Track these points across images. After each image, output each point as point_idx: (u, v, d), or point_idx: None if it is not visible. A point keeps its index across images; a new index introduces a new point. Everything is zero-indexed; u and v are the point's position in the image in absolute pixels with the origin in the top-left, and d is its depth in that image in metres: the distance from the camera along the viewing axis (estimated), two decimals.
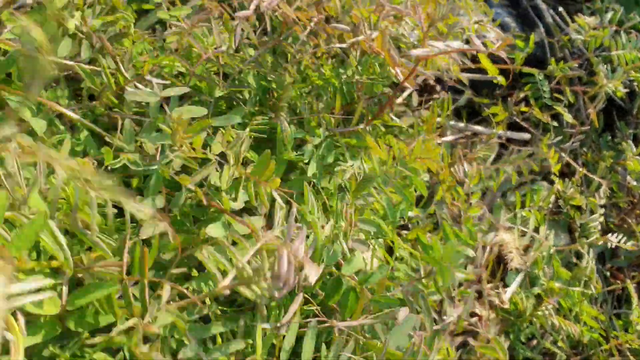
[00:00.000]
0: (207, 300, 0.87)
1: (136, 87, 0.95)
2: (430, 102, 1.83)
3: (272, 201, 0.94)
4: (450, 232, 1.27)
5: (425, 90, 1.87)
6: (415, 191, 1.24)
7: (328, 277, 1.02)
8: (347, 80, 1.24)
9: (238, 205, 0.94)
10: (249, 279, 0.74)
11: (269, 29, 1.21)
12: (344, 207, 0.97)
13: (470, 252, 1.26)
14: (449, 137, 1.76)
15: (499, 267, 1.62)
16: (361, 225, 1.06)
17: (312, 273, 0.73)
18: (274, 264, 0.70)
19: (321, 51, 1.19)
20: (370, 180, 0.99)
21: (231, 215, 0.91)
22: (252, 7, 1.07)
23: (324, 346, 0.90)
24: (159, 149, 0.93)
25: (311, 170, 1.09)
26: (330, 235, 0.99)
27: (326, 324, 0.92)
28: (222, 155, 0.97)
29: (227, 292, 0.81)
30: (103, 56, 1.06)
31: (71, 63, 1.00)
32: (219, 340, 0.89)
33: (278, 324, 0.89)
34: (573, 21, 1.78)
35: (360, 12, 1.19)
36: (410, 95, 1.79)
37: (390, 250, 1.34)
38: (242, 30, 1.11)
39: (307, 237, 0.95)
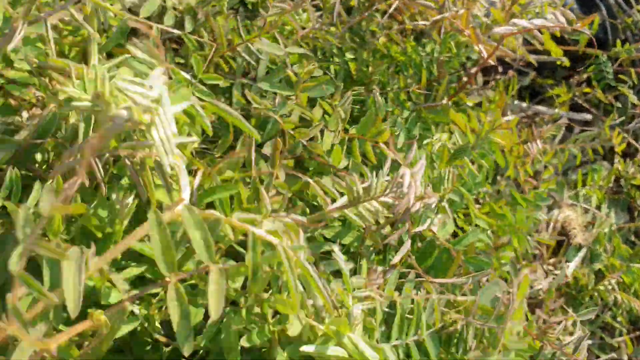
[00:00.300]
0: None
1: (248, 48, 1.01)
2: (493, 82, 1.87)
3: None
4: (520, 198, 1.32)
5: (487, 71, 1.92)
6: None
7: (420, 241, 1.08)
8: (428, 57, 1.29)
9: (342, 164, 1.00)
10: (358, 199, 0.81)
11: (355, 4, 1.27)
12: (447, 173, 1.04)
13: (541, 215, 1.31)
14: (511, 117, 1.80)
15: (561, 243, 1.67)
16: (451, 195, 1.12)
17: (432, 199, 0.79)
18: (392, 183, 0.76)
19: (408, 27, 1.25)
20: (466, 150, 1.04)
21: (338, 170, 0.98)
22: None
23: (417, 299, 0.96)
24: (277, 100, 1.00)
25: (401, 141, 1.15)
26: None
27: (422, 279, 0.98)
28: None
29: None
30: (205, 29, 1.13)
31: (177, 32, 1.06)
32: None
33: (385, 267, 0.95)
34: (637, 2, 1.80)
35: None
36: (481, 69, 1.84)
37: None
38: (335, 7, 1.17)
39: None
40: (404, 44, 1.27)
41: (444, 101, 1.26)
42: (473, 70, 1.30)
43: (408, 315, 0.93)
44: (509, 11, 1.23)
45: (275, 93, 1.04)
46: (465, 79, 1.34)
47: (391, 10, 1.24)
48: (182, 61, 1.14)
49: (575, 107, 1.86)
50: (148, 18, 1.05)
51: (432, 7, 1.23)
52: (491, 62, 1.18)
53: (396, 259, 0.93)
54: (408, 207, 0.79)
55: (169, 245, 0.61)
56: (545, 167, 1.58)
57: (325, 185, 0.87)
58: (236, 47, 1.03)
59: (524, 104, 1.80)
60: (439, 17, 1.20)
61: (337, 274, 0.91)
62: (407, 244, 0.92)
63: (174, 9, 1.15)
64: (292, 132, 0.99)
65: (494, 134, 1.25)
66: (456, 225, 1.35)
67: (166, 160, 0.63)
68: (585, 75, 1.82)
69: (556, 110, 1.77)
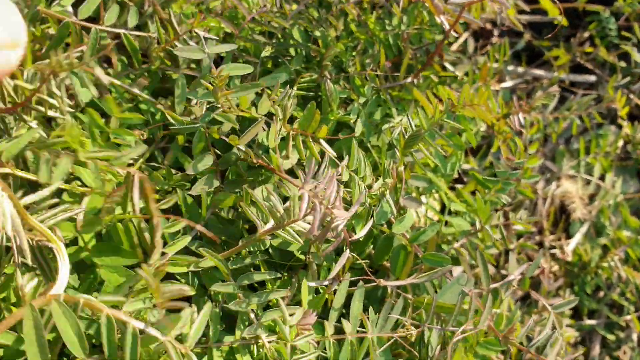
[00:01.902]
0: (257, 255, 0.89)
1: (186, 42, 0.94)
2: (487, 48, 1.76)
3: (323, 155, 0.93)
4: (481, 179, 1.21)
5: (481, 35, 1.80)
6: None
7: (379, 235, 1.01)
8: (393, 31, 1.20)
9: (289, 163, 0.94)
10: (282, 222, 0.75)
11: None
12: (391, 164, 0.96)
13: (505, 198, 1.20)
14: (509, 83, 1.69)
15: (562, 218, 1.58)
16: (412, 182, 1.05)
17: (341, 217, 0.72)
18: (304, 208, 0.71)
19: (366, 1, 1.16)
20: (418, 136, 0.96)
21: (280, 174, 0.91)
22: None
23: (371, 308, 0.90)
24: (204, 107, 0.93)
25: (359, 129, 1.07)
26: (378, 192, 0.98)
27: (374, 284, 0.92)
28: (270, 115, 0.96)
29: (268, 239, 0.82)
30: (152, 22, 1.06)
31: (118, 30, 1.00)
32: (269, 285, 0.91)
33: (326, 282, 0.89)
34: None
35: None
36: (465, 41, 1.73)
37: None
38: None
39: (349, 191, 0.95)
40: (363, 19, 1.18)
41: (409, 79, 1.17)
42: (445, 40, 1.20)
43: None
44: None
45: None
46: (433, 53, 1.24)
47: None
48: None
49: (579, 69, 1.74)
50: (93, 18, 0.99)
51: None
52: (455, 33, 1.08)
53: (332, 274, 0.86)
54: (323, 230, 0.72)
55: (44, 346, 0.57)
56: (538, 139, 1.48)
57: (257, 199, 0.81)
58: (173, 42, 0.96)
59: (521, 69, 1.68)
60: None
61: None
62: (343, 259, 0.85)
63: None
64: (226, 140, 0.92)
65: (466, 110, 1.16)
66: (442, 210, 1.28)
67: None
68: (587, 34, 1.69)
69: (555, 73, 1.65)
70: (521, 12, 1.62)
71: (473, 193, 1.30)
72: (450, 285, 0.98)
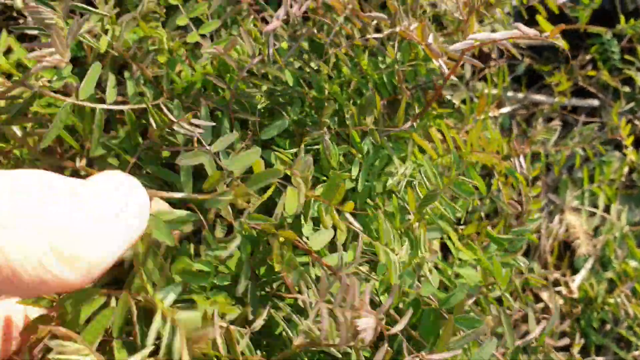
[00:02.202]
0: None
1: (182, 126, 0.86)
2: (485, 71, 1.70)
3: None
4: (495, 238, 1.16)
5: (479, 58, 1.74)
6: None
7: (405, 299, 0.95)
8: (387, 70, 1.14)
9: (320, 242, 0.86)
10: (317, 339, 0.69)
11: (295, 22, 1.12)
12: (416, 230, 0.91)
13: (522, 261, 1.14)
14: (508, 108, 1.64)
15: (566, 253, 1.52)
16: (429, 235, 1.00)
17: (369, 329, 0.66)
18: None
19: (356, 43, 1.09)
20: (434, 196, 0.91)
21: (314, 255, 0.84)
22: (280, 16, 0.99)
23: None
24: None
25: (361, 185, 1.01)
26: (407, 260, 0.92)
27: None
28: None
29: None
30: (144, 83, 1.00)
31: (120, 108, 0.92)
32: None
33: None
34: None
35: None
36: (462, 66, 1.67)
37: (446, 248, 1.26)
38: (275, 37, 1.03)
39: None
40: (355, 60, 1.12)
41: (407, 125, 1.11)
42: (444, 81, 1.13)
43: None
44: (468, 20, 1.06)
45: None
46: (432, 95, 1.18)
47: (339, 22, 1.08)
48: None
49: (580, 92, 1.68)
50: None
51: (385, 18, 1.07)
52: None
53: None
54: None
55: None
56: (539, 177, 1.42)
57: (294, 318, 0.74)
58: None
59: (520, 94, 1.62)
60: (389, 31, 1.05)
61: None
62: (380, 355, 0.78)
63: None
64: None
65: (474, 156, 1.11)
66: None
67: None
68: (588, 56, 1.63)
69: (556, 99, 1.59)
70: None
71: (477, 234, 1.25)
72: (481, 350, 0.90)
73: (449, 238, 1.14)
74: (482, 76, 1.65)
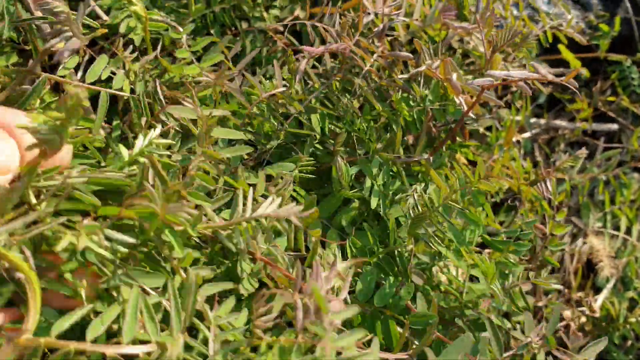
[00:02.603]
0: None
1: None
2: (507, 97, 1.76)
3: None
4: (493, 243, 1.22)
5: (503, 88, 1.81)
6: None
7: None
8: (417, 108, 1.21)
9: None
10: None
11: (327, 65, 1.20)
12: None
13: (513, 258, 1.21)
14: (529, 133, 1.70)
15: (589, 275, 1.58)
16: (420, 256, 1.07)
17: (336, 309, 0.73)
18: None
19: (382, 84, 1.17)
20: (423, 219, 0.98)
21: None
22: (321, 51, 1.07)
23: None
24: None
25: (374, 202, 1.09)
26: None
27: None
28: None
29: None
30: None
31: (121, 93, 1.02)
32: None
33: None
34: None
35: (422, 37, 1.16)
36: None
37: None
38: (305, 70, 1.11)
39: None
40: (387, 99, 1.20)
41: (425, 156, 1.18)
42: (461, 124, 1.21)
43: None
44: (491, 58, 1.14)
45: None
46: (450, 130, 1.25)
47: (367, 67, 1.16)
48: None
49: (600, 117, 1.74)
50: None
51: (411, 58, 1.15)
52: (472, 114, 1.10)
53: None
54: None
55: None
56: (562, 203, 1.48)
57: None
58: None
59: (542, 120, 1.68)
60: (414, 71, 1.13)
61: None
62: None
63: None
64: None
65: (482, 184, 1.17)
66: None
67: None
68: (608, 82, 1.69)
69: (577, 125, 1.65)
70: (547, 60, 1.62)
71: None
72: (450, 349, 0.95)
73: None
74: (505, 100, 1.72)
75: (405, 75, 1.16)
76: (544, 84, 1.75)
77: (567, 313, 1.55)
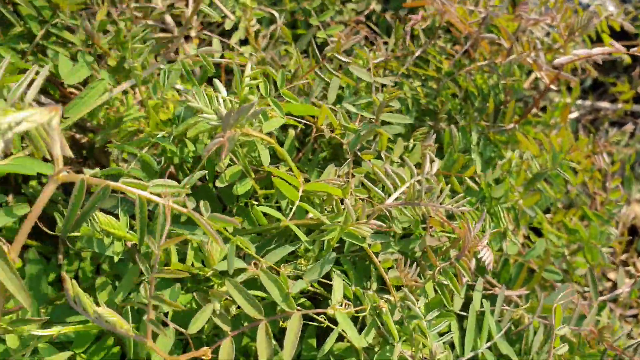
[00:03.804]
0: None
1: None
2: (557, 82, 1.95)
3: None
4: (592, 214, 1.43)
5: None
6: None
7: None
8: (494, 84, 1.40)
9: None
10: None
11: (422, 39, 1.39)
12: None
13: (613, 231, 1.42)
14: (575, 114, 1.89)
15: (634, 238, 1.77)
16: (527, 211, 1.26)
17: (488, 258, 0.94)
18: None
19: (475, 67, 1.36)
20: (544, 174, 1.18)
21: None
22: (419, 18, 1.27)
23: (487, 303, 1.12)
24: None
25: (478, 168, 1.28)
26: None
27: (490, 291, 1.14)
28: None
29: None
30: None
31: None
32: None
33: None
34: None
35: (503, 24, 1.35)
36: (536, 78, 1.93)
37: (537, 233, 1.52)
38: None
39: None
40: (471, 76, 1.39)
41: (511, 125, 1.37)
42: (538, 95, 1.40)
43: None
44: (567, 41, 1.32)
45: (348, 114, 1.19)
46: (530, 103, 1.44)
47: (465, 49, 1.35)
48: None
49: (638, 98, 1.93)
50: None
51: (495, 39, 1.34)
52: (552, 87, 1.29)
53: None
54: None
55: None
56: (615, 173, 1.67)
57: None
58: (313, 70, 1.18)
59: (587, 102, 1.87)
60: (511, 58, 1.31)
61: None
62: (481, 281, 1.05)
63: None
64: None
65: (565, 152, 1.36)
66: (529, 239, 1.48)
67: None
68: None
69: (619, 105, 1.84)
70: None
71: (558, 222, 1.51)
72: (559, 290, 1.17)
73: (539, 223, 1.41)
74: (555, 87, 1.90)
75: (495, 62, 1.35)
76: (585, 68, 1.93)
77: (612, 274, 1.74)
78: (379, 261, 1.03)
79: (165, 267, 0.94)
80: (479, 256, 1.03)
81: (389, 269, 1.05)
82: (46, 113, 0.64)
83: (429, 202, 1.04)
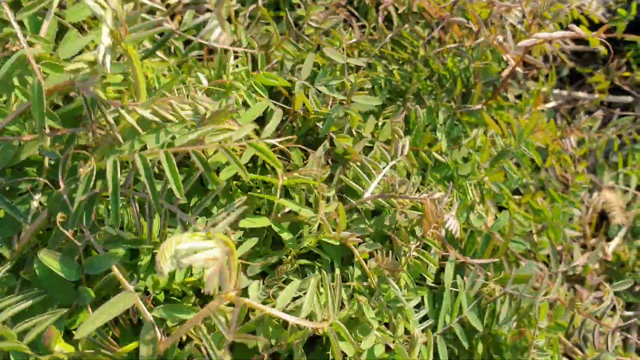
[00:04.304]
0: None
1: None
2: (535, 72, 2.02)
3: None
4: (557, 196, 1.50)
5: (527, 65, 2.06)
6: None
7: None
8: (465, 67, 1.47)
9: None
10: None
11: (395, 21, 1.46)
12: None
13: (576, 212, 1.49)
14: (553, 104, 1.95)
15: (603, 223, 1.83)
16: (492, 187, 1.33)
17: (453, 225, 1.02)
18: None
19: (445, 50, 1.43)
20: (507, 152, 1.24)
21: None
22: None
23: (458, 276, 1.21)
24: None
25: (444, 145, 1.35)
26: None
27: (461, 260, 1.22)
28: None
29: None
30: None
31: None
32: None
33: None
34: None
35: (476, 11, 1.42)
36: (513, 73, 1.99)
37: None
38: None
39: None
40: (443, 59, 1.45)
41: (479, 106, 1.44)
42: (504, 76, 1.46)
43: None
44: (531, 24, 1.39)
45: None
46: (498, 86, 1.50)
47: (438, 29, 1.42)
48: None
49: (616, 90, 1.99)
50: None
51: (465, 23, 1.40)
52: (518, 69, 1.36)
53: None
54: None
55: None
56: (584, 156, 1.73)
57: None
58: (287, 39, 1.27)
59: (565, 92, 1.94)
60: (479, 40, 1.38)
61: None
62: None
63: None
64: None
65: (531, 135, 1.42)
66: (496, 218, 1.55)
67: None
68: (624, 60, 1.94)
69: (596, 95, 1.90)
70: (566, 43, 1.87)
71: (525, 204, 1.57)
72: (526, 266, 1.25)
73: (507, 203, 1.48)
74: (530, 76, 1.97)
75: (468, 43, 1.42)
76: (569, 58, 2.00)
77: (582, 259, 1.81)
78: (359, 252, 1.12)
79: None
80: (446, 225, 1.12)
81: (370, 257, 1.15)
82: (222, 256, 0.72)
83: (404, 195, 1.13)
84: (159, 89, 0.97)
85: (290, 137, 1.09)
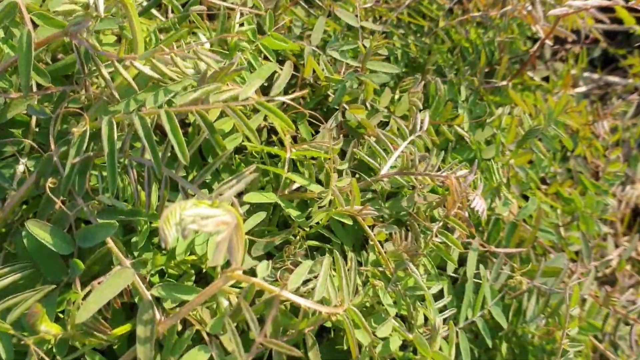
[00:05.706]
0: None
1: None
2: (564, 53, 2.02)
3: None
4: (589, 183, 1.50)
5: (558, 40, 2.07)
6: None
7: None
8: (489, 40, 1.47)
9: None
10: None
11: None
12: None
13: (610, 201, 1.49)
14: (583, 88, 1.96)
15: (636, 220, 1.83)
16: (518, 170, 1.34)
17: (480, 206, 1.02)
18: None
19: (468, 19, 1.43)
20: (536, 131, 1.25)
21: None
22: None
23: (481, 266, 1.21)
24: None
25: (466, 124, 1.35)
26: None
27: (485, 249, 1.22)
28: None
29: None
30: None
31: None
32: None
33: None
34: None
35: None
36: (542, 47, 2.00)
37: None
38: None
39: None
40: (466, 30, 1.46)
41: (504, 82, 1.44)
42: (533, 51, 1.47)
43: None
44: None
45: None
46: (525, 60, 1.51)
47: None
48: None
49: None
50: None
51: None
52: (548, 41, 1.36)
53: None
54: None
55: None
56: (617, 144, 1.74)
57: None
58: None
59: (596, 75, 1.94)
60: (503, 9, 1.38)
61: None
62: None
63: None
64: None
65: (562, 116, 1.43)
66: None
67: None
68: None
69: (629, 80, 1.91)
70: (598, 22, 1.88)
71: (554, 194, 1.58)
72: (556, 258, 1.25)
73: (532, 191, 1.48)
74: (558, 57, 1.98)
75: (492, 13, 1.43)
76: (598, 37, 2.01)
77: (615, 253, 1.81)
78: (374, 234, 1.11)
79: None
80: (472, 205, 1.12)
81: (385, 241, 1.14)
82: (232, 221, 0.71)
83: (424, 172, 1.13)
84: (157, 44, 0.97)
85: (302, 92, 1.08)
